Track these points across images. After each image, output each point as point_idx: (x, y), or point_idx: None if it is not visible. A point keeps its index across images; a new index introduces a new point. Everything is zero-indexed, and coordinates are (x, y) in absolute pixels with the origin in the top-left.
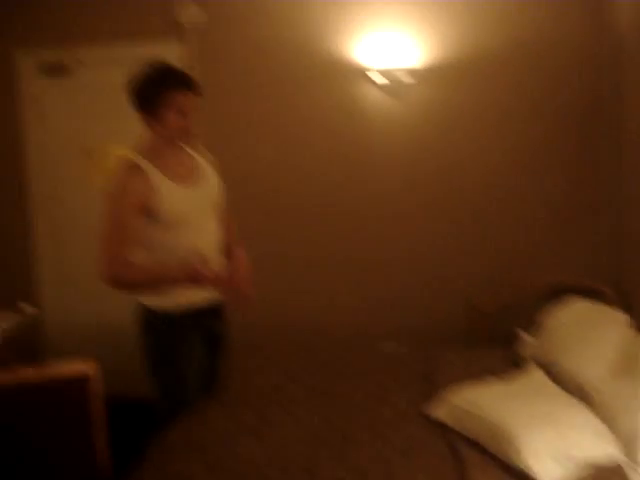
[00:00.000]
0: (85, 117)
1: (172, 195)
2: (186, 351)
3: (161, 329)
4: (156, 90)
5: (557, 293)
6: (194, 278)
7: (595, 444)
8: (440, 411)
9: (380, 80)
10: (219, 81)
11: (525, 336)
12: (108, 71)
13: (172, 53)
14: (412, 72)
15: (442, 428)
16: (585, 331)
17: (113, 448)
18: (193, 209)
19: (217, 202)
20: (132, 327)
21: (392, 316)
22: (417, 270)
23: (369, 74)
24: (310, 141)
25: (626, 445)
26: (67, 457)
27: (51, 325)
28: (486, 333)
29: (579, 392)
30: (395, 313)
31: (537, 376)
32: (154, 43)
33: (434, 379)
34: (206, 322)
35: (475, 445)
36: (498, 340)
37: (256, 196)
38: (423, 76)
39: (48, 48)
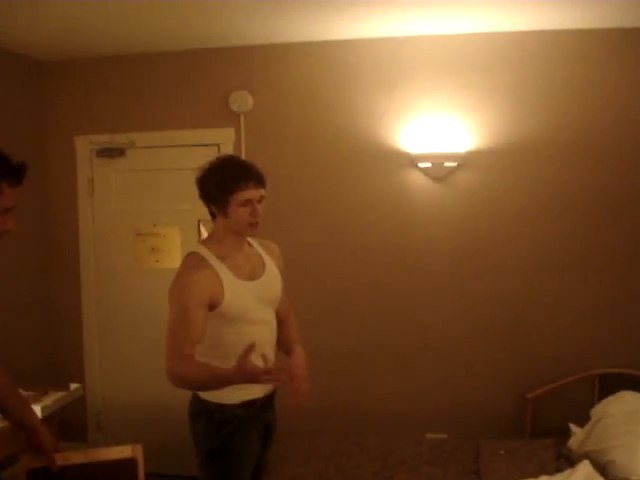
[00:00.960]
0: (136, 197)
1: (236, 290)
2: (244, 445)
3: (220, 423)
4: (226, 187)
5: (609, 385)
6: (249, 379)
7: None
8: None
9: (425, 165)
10: (267, 163)
11: (576, 429)
12: (160, 152)
13: (224, 137)
14: (457, 157)
15: None
16: (637, 425)
17: None
18: (255, 304)
19: (278, 296)
20: (174, 409)
21: (440, 405)
22: (467, 358)
23: (414, 158)
24: (355, 226)
25: None
26: None
27: (95, 401)
28: (537, 426)
29: None
30: (443, 402)
31: (587, 471)
32: (207, 128)
33: (482, 474)
34: (261, 414)
35: None
36: (549, 433)
37: (298, 279)
38: (468, 161)
39: (103, 133)
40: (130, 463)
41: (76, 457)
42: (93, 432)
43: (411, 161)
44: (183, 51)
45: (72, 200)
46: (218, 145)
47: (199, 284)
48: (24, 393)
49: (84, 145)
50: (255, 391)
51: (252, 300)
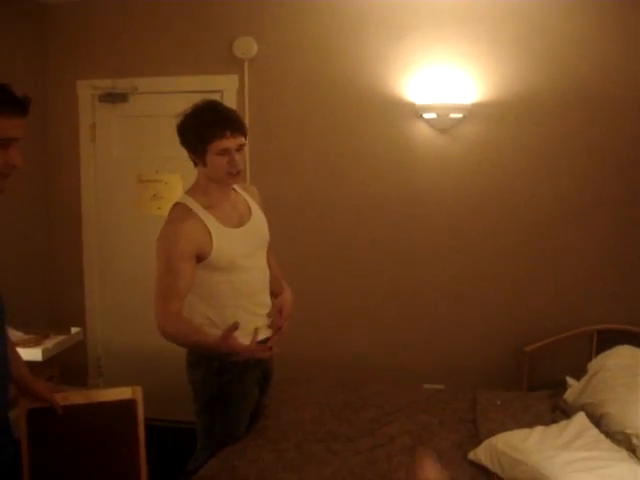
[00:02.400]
0: (138, 143)
1: (225, 239)
2: (244, 391)
3: (220, 370)
4: (202, 136)
5: (608, 340)
6: (232, 352)
7: None
8: (483, 455)
9: (430, 116)
10: (272, 111)
11: (573, 382)
12: (163, 99)
13: (228, 84)
14: (463, 108)
15: (484, 472)
16: (633, 378)
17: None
18: (245, 251)
19: (266, 238)
20: (174, 356)
21: (438, 356)
22: (466, 311)
23: (419, 109)
24: (358, 175)
25: None
26: (111, 477)
27: (96, 346)
28: (534, 379)
29: (626, 441)
30: (442, 354)
31: (582, 423)
32: (210, 74)
33: (479, 423)
34: (259, 361)
35: None
36: (546, 387)
37: (303, 229)
38: (474, 112)
39: (107, 78)
40: (130, 405)
41: (76, 397)
42: (94, 377)
43: (416, 112)
44: None
45: (74, 146)
46: (222, 91)
47: (185, 236)
48: (24, 337)
49: (86, 90)
50: (245, 334)
51: (242, 247)
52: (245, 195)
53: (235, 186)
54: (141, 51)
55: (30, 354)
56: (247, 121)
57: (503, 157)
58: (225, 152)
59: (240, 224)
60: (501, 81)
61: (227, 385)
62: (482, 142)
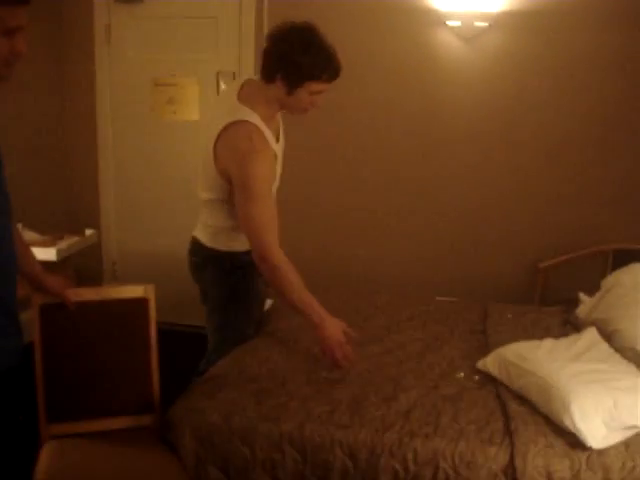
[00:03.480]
0: (154, 46)
1: (275, 166)
2: (255, 287)
3: (231, 270)
4: (309, 74)
5: (623, 260)
6: (331, 343)
7: None
8: (491, 364)
9: (454, 23)
10: (290, 16)
11: (585, 298)
12: (180, 1)
13: None
14: (489, 17)
15: (493, 381)
16: None
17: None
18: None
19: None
20: (183, 258)
21: (452, 270)
22: (482, 225)
23: (443, 16)
24: (379, 84)
25: None
26: (123, 374)
27: (111, 250)
28: (547, 296)
29: (636, 357)
30: (456, 267)
31: (592, 337)
32: None
33: (489, 334)
34: None
35: (524, 401)
36: (557, 302)
37: (324, 137)
38: (500, 21)
39: None
40: (142, 302)
41: (88, 294)
42: (108, 280)
43: (440, 18)
44: None
45: (89, 47)
46: None
47: (270, 165)
48: (39, 237)
49: None
50: None
51: (276, 173)
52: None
53: None
54: None
55: (45, 254)
56: (265, 25)
57: (529, 70)
58: (319, 92)
59: (278, 149)
60: None
61: (238, 283)
62: (507, 53)
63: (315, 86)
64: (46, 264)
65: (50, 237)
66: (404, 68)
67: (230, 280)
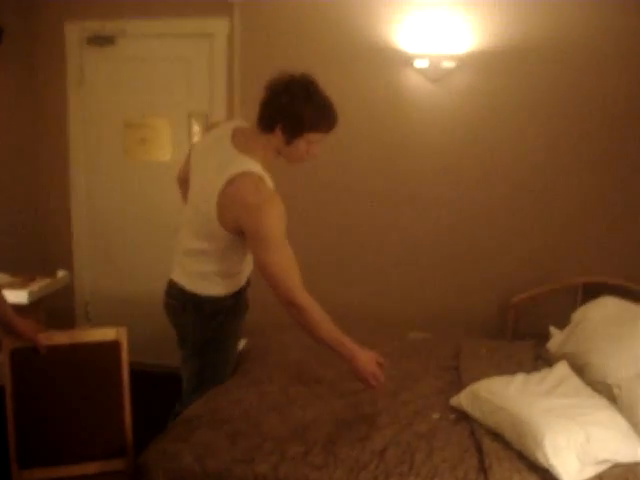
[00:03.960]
0: (126, 87)
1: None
2: (234, 330)
3: (211, 314)
4: (310, 124)
5: (593, 293)
6: (365, 375)
7: (619, 443)
8: (465, 401)
9: (422, 64)
10: (261, 56)
11: (556, 332)
12: (152, 42)
13: (218, 28)
14: (455, 58)
15: (466, 418)
16: (616, 329)
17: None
18: None
19: None
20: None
21: (425, 306)
22: (451, 260)
23: (410, 57)
24: (350, 123)
25: None
26: (96, 418)
27: (83, 291)
28: (518, 330)
29: (606, 391)
30: (426, 302)
31: (564, 372)
32: (200, 17)
33: (462, 370)
34: (244, 297)
35: (498, 437)
36: (529, 336)
37: (290, 177)
38: (466, 62)
39: (95, 20)
40: (114, 345)
41: (60, 338)
42: (81, 323)
43: (407, 60)
44: None
45: (61, 89)
46: (211, 36)
47: (281, 216)
48: (10, 279)
49: (74, 32)
50: (242, 279)
51: None
52: None
53: None
54: None
55: (16, 296)
56: (237, 67)
57: (495, 108)
58: (317, 142)
59: None
60: (495, 30)
61: (219, 327)
62: (474, 92)
63: (314, 136)
64: (17, 307)
65: (21, 279)
66: (373, 108)
67: (211, 324)
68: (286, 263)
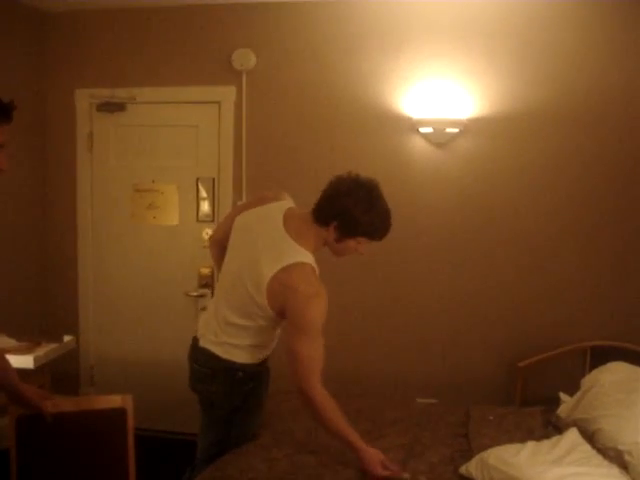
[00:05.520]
0: (135, 153)
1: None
2: (262, 396)
3: (243, 380)
4: (368, 233)
5: (601, 356)
6: (370, 468)
7: None
8: (474, 469)
9: (426, 130)
10: (269, 123)
11: (566, 398)
12: (161, 108)
13: (225, 95)
14: (459, 123)
15: None
16: (627, 395)
17: None
18: None
19: None
20: (167, 366)
21: (431, 371)
22: (461, 326)
23: (415, 123)
24: None
25: None
26: None
27: (88, 355)
28: (527, 394)
29: (618, 457)
30: (435, 368)
31: (574, 439)
32: (208, 85)
33: (471, 437)
34: (268, 365)
35: None
36: (539, 402)
37: None
38: (470, 127)
39: (105, 87)
40: (120, 413)
41: (65, 405)
42: (86, 386)
43: (412, 126)
44: (188, 5)
45: (71, 154)
46: (219, 103)
47: (325, 311)
48: (16, 344)
49: (84, 99)
50: (272, 347)
51: None
52: None
53: None
54: (140, 61)
55: (22, 362)
56: (244, 133)
57: (499, 172)
58: (362, 243)
59: None
60: (498, 96)
61: (250, 394)
62: (479, 157)
63: (365, 240)
64: (23, 371)
65: (27, 344)
66: (378, 172)
67: (242, 389)
68: (315, 356)
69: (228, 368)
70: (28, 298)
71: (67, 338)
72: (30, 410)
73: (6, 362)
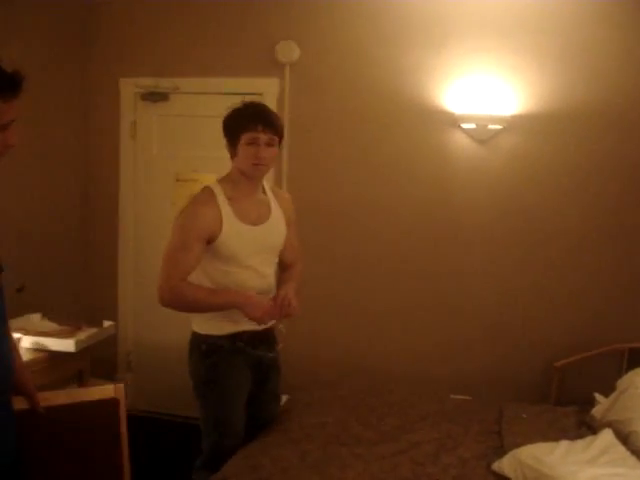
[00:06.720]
0: (177, 142)
1: (233, 231)
2: (231, 373)
3: (207, 353)
4: (237, 126)
5: (637, 357)
6: (244, 304)
7: None
8: (507, 466)
9: (469, 126)
10: (311, 115)
11: (601, 399)
12: (203, 99)
13: (268, 87)
14: (502, 120)
15: None
16: None
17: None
18: (248, 249)
19: (277, 244)
20: None
21: (466, 368)
22: (498, 323)
23: (458, 119)
24: (393, 182)
25: None
26: (95, 476)
27: (126, 341)
28: (562, 395)
29: None
30: (469, 365)
31: (609, 439)
32: (251, 77)
33: (504, 434)
34: (253, 350)
35: None
36: (573, 403)
37: (339, 234)
38: (513, 124)
39: (149, 76)
40: (112, 403)
41: (58, 398)
42: (122, 371)
43: (454, 121)
44: None
45: (114, 142)
46: (262, 94)
47: (202, 218)
48: (58, 327)
49: (128, 88)
50: (242, 324)
51: (247, 244)
52: (273, 199)
53: (268, 189)
54: (183, 51)
55: (63, 345)
56: (286, 125)
57: (542, 171)
58: (254, 142)
59: (254, 223)
60: (542, 93)
61: (213, 368)
62: (521, 155)
63: (248, 135)
64: (63, 355)
65: (68, 328)
66: (419, 168)
67: (206, 363)
68: (173, 259)
69: (196, 341)
70: (69, 283)
71: (107, 323)
72: (23, 403)
73: (21, 359)
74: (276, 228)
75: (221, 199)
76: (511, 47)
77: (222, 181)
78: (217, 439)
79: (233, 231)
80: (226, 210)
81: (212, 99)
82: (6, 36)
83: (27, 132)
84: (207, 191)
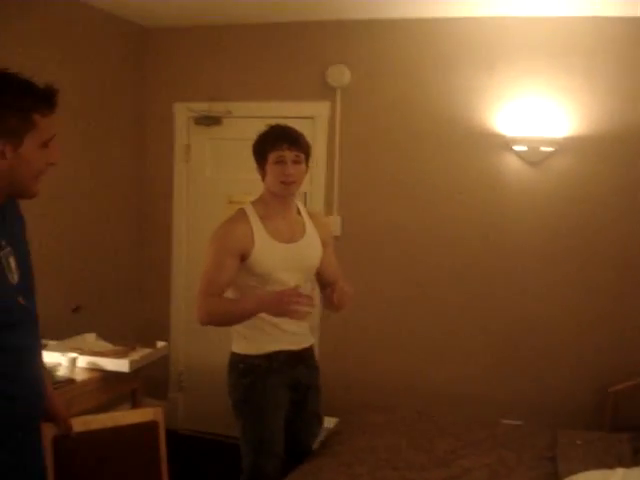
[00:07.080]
0: (230, 166)
1: (266, 248)
2: (267, 393)
3: (244, 372)
4: (264, 147)
5: None
6: (260, 304)
7: None
8: None
9: (520, 148)
10: (362, 139)
11: None
12: (256, 123)
13: (319, 111)
14: (554, 142)
15: None
16: None
17: None
18: (282, 266)
19: (311, 264)
20: None
21: (518, 391)
22: (549, 346)
23: (509, 141)
24: (443, 206)
25: None
26: None
27: (178, 361)
28: (616, 420)
29: None
30: (522, 389)
31: None
32: (302, 101)
33: (559, 461)
34: (290, 370)
35: None
36: (629, 428)
37: (388, 255)
38: (566, 146)
39: (202, 101)
40: (152, 426)
41: (96, 422)
42: (174, 392)
43: (506, 144)
44: (283, 23)
45: (168, 165)
46: (313, 118)
47: (233, 234)
48: (112, 348)
49: (182, 112)
50: (279, 344)
51: (280, 261)
52: (308, 220)
53: (303, 210)
54: (236, 76)
55: (117, 365)
56: (337, 148)
57: (596, 194)
58: (281, 160)
59: (288, 241)
60: (594, 115)
61: (250, 388)
62: (574, 177)
63: (274, 154)
64: (117, 375)
65: (123, 348)
66: (470, 189)
67: (243, 382)
68: (207, 279)
69: (234, 360)
70: (123, 304)
71: (160, 344)
72: (60, 429)
73: (51, 386)
74: (310, 246)
75: (253, 218)
76: (562, 69)
77: (255, 202)
78: (254, 459)
79: (265, 247)
80: (258, 227)
81: (264, 123)
82: (63, 62)
83: (84, 155)
84: (240, 211)
